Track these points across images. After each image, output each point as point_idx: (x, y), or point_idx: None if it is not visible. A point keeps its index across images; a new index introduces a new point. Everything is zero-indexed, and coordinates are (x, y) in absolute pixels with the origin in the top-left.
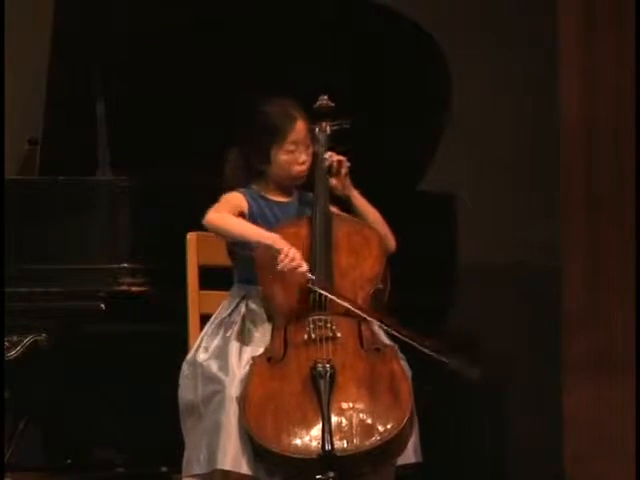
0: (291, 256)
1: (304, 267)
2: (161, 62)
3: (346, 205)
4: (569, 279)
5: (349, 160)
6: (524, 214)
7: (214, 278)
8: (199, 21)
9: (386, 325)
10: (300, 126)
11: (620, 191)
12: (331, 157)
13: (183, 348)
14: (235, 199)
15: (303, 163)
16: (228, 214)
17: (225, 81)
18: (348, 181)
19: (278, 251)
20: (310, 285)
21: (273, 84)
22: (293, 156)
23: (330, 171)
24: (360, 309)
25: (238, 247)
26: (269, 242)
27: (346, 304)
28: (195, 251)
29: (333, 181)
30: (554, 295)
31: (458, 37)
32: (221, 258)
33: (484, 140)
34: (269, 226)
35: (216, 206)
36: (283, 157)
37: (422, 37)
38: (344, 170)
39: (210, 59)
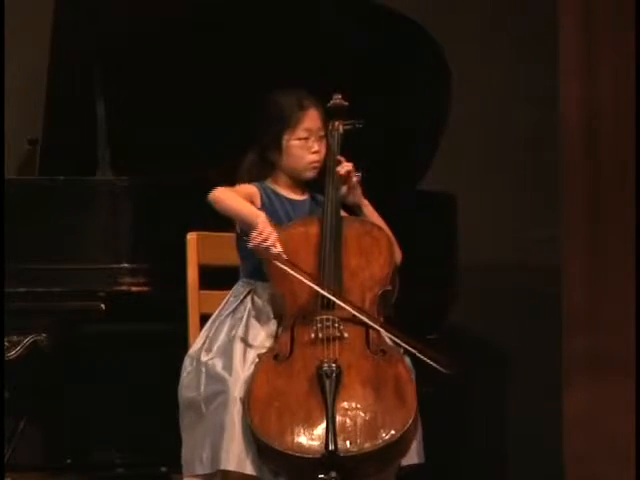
0: (265, 236)
1: (277, 248)
2: (161, 62)
3: (355, 213)
4: (569, 279)
5: (358, 169)
6: (524, 214)
7: (214, 278)
8: (199, 21)
9: (388, 332)
10: (313, 114)
11: (620, 191)
12: (342, 168)
13: (183, 348)
14: (248, 189)
15: (316, 152)
16: (231, 192)
17: (225, 81)
18: (359, 190)
19: (253, 228)
20: (317, 288)
21: (273, 84)
22: (305, 144)
23: (341, 180)
24: (367, 317)
25: (245, 242)
26: (252, 218)
27: (351, 309)
28: (195, 251)
29: (344, 189)
30: (554, 295)
31: (458, 37)
32: (221, 258)
33: (484, 140)
34: (279, 222)
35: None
36: (295, 143)
37: (422, 37)
38: (354, 179)
39: (210, 59)
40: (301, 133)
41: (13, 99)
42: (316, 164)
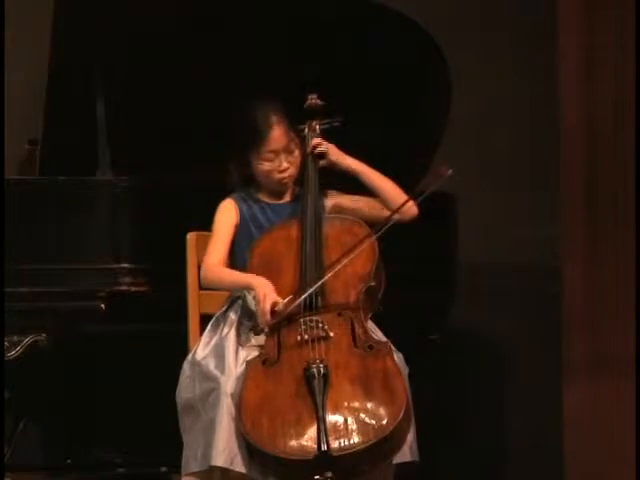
0: (268, 309)
1: (280, 306)
2: (161, 62)
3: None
4: (569, 279)
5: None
6: (524, 214)
7: None
8: (199, 21)
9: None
10: (277, 134)
11: (620, 191)
12: (313, 150)
13: (183, 348)
14: (226, 210)
15: (284, 170)
16: (218, 268)
17: (225, 81)
18: (343, 159)
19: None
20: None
21: (273, 84)
22: (272, 164)
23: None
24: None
25: (237, 248)
26: (248, 287)
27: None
28: (195, 251)
29: (324, 163)
30: (554, 295)
31: (458, 37)
32: None
33: (484, 140)
34: (261, 229)
35: (209, 254)
36: (260, 166)
37: (422, 37)
38: (322, 148)
39: (210, 59)
40: (268, 155)
41: (13, 99)
42: (285, 180)
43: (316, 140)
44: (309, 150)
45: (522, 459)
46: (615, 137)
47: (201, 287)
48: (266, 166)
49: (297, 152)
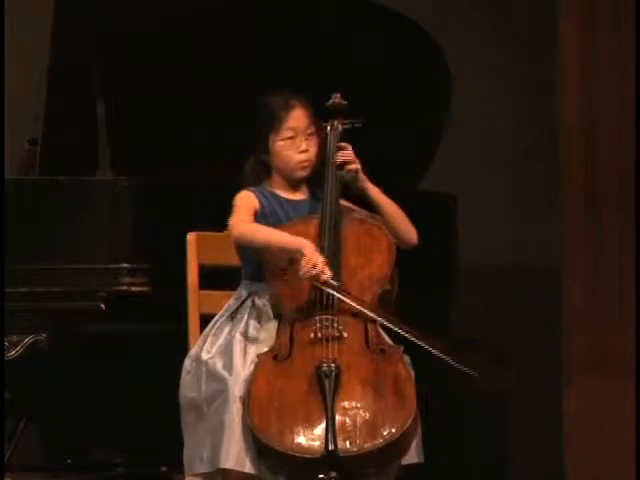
0: (313, 262)
1: (327, 274)
2: (161, 62)
3: (362, 200)
4: (569, 279)
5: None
6: (524, 214)
7: (214, 278)
8: (200, 20)
9: (399, 328)
10: (298, 113)
11: (620, 191)
12: (341, 156)
13: (183, 348)
14: (248, 200)
15: (304, 152)
16: (254, 223)
17: (225, 81)
18: (361, 175)
19: (302, 256)
20: (319, 284)
21: (274, 83)
22: (292, 143)
23: (341, 167)
24: (373, 311)
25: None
26: (296, 247)
27: (359, 307)
28: (195, 251)
29: (344, 175)
30: (554, 295)
31: (458, 37)
32: (221, 258)
33: (484, 140)
34: (279, 224)
35: (236, 215)
36: (280, 144)
37: (422, 37)
38: (353, 166)
39: (210, 59)
40: (286, 133)
41: (13, 99)
42: (305, 163)
43: (349, 153)
44: (333, 156)
45: (522, 459)
46: (615, 137)
47: (203, 286)
48: (283, 144)
49: (317, 140)
